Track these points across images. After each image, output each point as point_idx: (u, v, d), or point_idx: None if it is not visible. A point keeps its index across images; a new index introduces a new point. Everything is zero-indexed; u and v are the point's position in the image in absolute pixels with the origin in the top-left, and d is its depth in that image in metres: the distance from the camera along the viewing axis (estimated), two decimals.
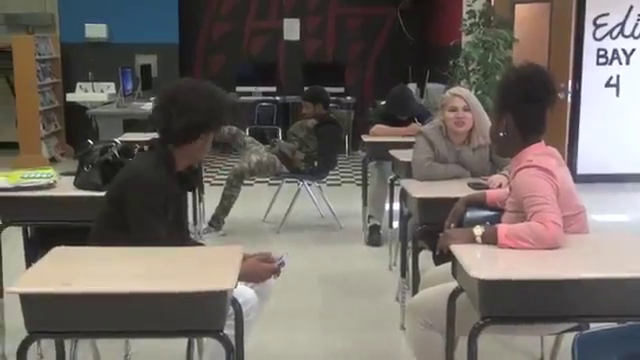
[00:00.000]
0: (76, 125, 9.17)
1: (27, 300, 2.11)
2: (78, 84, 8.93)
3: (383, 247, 5.31)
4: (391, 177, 4.96)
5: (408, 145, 4.30)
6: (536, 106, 2.70)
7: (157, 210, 2.62)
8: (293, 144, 5.94)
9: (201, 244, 3.03)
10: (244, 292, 2.58)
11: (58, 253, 2.47)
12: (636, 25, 7.59)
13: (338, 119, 6.12)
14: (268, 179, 7.19)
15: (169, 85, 2.83)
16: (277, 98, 9.90)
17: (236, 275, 2.23)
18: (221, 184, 6.13)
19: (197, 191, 5.49)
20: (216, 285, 2.15)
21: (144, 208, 2.61)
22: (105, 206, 2.73)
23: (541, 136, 2.74)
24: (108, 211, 2.71)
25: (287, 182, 6.32)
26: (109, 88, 8.80)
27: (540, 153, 2.69)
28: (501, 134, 2.74)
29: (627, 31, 7.61)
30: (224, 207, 5.73)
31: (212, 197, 5.96)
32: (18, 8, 9.65)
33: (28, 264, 3.45)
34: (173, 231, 2.72)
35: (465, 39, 7.67)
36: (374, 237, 5.51)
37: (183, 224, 2.89)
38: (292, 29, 10.56)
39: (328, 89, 6.45)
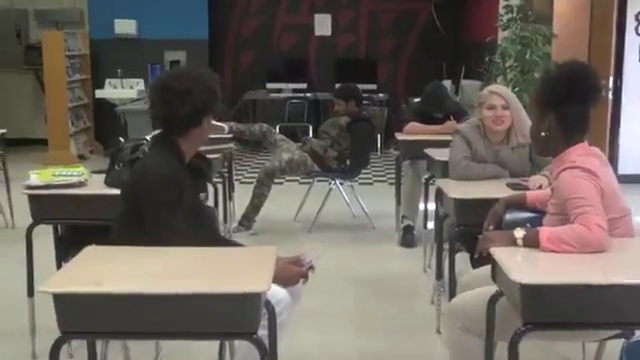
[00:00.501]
0: (105, 122, 9.27)
1: (60, 300, 2.12)
2: (107, 80, 9.03)
3: (417, 248, 5.29)
4: (426, 176, 4.93)
5: (443, 143, 4.27)
6: (580, 106, 2.66)
7: (173, 205, 2.63)
8: (325, 142, 5.94)
9: (236, 243, 3.02)
10: (277, 292, 2.58)
11: (90, 253, 2.49)
12: None
13: (371, 116, 6.11)
14: (299, 178, 7.19)
15: (157, 79, 2.89)
16: (308, 95, 9.91)
17: (270, 277, 2.23)
18: (251, 182, 6.14)
19: (227, 189, 5.52)
20: (250, 287, 2.15)
21: (159, 205, 2.61)
22: (121, 207, 2.75)
23: (584, 136, 2.70)
24: (125, 212, 2.73)
25: (318, 181, 6.30)
26: (138, 84, 8.88)
27: (583, 154, 2.65)
28: (543, 134, 2.71)
29: None
30: (254, 206, 5.74)
31: (242, 196, 5.98)
32: (48, 4, 9.79)
33: (58, 263, 3.49)
34: (193, 225, 2.72)
35: (502, 35, 7.59)
36: (408, 238, 5.48)
37: (205, 218, 2.88)
38: (323, 24, 10.56)
39: (360, 86, 6.44)
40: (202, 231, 2.79)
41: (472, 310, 2.64)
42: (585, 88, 2.65)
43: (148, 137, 3.56)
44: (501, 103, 3.77)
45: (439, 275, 3.87)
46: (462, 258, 3.57)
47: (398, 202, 5.68)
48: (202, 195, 3.73)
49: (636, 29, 7.52)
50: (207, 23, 9.94)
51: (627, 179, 7.03)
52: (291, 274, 2.66)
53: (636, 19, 7.50)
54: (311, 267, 2.73)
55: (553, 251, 2.43)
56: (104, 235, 2.73)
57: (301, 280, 2.83)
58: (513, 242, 2.51)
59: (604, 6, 7.71)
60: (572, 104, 2.64)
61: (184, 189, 2.69)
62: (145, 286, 2.17)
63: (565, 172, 2.60)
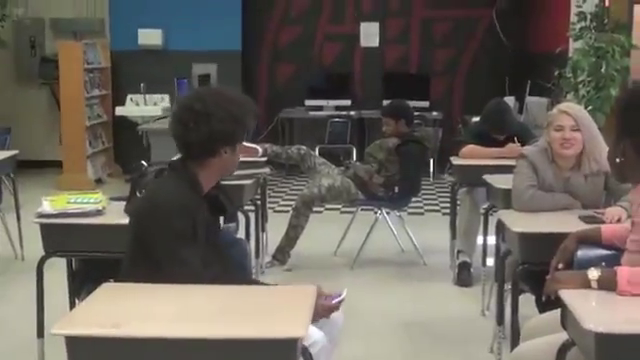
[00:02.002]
0: (126, 142, 9.40)
1: (73, 343, 2.14)
2: (129, 96, 9.17)
3: (474, 288, 5.24)
4: (485, 206, 4.89)
5: (506, 169, 4.25)
6: None
7: (185, 238, 2.64)
8: (370, 166, 5.94)
9: (264, 284, 3.03)
10: (312, 334, 2.58)
11: (107, 290, 2.52)
12: None
13: (423, 138, 6.09)
14: (340, 206, 7.19)
15: (184, 96, 2.90)
16: (352, 113, 9.93)
17: (309, 320, 2.22)
18: (287, 211, 6.16)
19: (260, 219, 5.55)
20: (286, 331, 2.14)
21: (170, 238, 2.62)
22: (129, 241, 2.76)
23: None
24: (133, 246, 2.74)
25: (362, 210, 6.30)
26: (163, 101, 9.01)
27: None
28: (618, 160, 2.68)
29: None
30: (290, 238, 5.75)
31: (277, 226, 6.00)
32: (65, 12, 10.01)
33: (72, 300, 3.54)
34: (210, 263, 2.72)
35: (573, 45, 7.54)
36: (464, 276, 5.44)
37: (228, 258, 2.89)
38: (370, 34, 10.61)
39: (411, 103, 6.44)
40: (222, 267, 2.80)
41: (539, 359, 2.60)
42: None
43: (173, 160, 3.60)
44: (570, 124, 3.74)
45: (500, 320, 3.83)
46: (526, 300, 3.53)
47: (453, 235, 5.64)
48: (232, 226, 3.76)
49: None
50: (240, 33, 10.07)
51: None
52: (318, 308, 2.60)
53: None
54: (342, 299, 2.75)
55: (633, 295, 2.38)
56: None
57: (341, 319, 2.83)
58: (586, 284, 2.48)
59: None
60: None
61: (199, 222, 2.69)
62: (168, 330, 2.18)
63: None
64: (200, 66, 9.52)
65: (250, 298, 2.48)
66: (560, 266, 2.91)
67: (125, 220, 3.39)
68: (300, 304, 2.34)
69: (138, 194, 3.45)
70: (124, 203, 3.55)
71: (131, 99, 9.15)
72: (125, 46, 9.81)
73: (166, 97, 9.01)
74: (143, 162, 3.61)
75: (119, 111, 9.14)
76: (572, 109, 3.85)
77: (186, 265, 2.61)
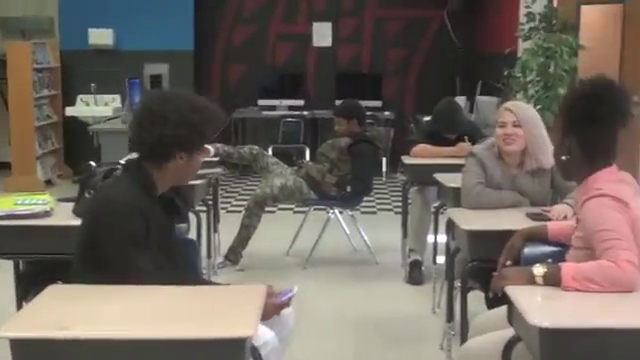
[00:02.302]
0: (76, 143, 9.30)
1: (19, 347, 2.12)
2: (79, 97, 9.07)
3: (425, 286, 5.28)
4: (436, 205, 4.94)
5: (457, 168, 4.28)
6: (605, 128, 2.67)
7: (138, 240, 2.61)
8: (323, 166, 5.95)
9: (216, 283, 3.02)
10: (263, 334, 2.59)
11: (54, 292, 2.49)
12: None
13: (375, 138, 6.12)
14: (293, 206, 7.19)
15: (148, 94, 2.87)
16: (305, 113, 9.94)
17: (257, 319, 2.22)
18: (240, 211, 6.15)
19: (212, 219, 5.53)
20: (235, 331, 2.14)
21: (122, 240, 2.59)
22: (80, 242, 2.72)
23: (611, 160, 2.71)
24: (84, 248, 2.70)
25: (315, 209, 6.31)
26: (114, 101, 8.92)
27: (612, 180, 2.66)
28: (563, 157, 2.72)
29: None
30: (242, 238, 5.74)
31: (229, 226, 5.98)
32: (13, 11, 9.84)
33: (19, 303, 3.48)
34: (163, 266, 2.71)
35: (522, 46, 7.64)
36: (415, 274, 5.47)
37: (178, 258, 2.87)
38: (323, 34, 10.63)
39: (364, 103, 6.47)
40: (175, 270, 2.78)
41: (486, 357, 2.62)
42: (608, 108, 2.66)
43: (123, 161, 3.57)
44: (512, 120, 3.80)
45: (450, 317, 3.86)
46: (476, 297, 3.57)
47: (405, 234, 5.68)
48: (183, 226, 3.74)
49: None
50: (192, 33, 10.01)
51: None
52: (268, 306, 2.59)
53: None
54: (292, 296, 2.76)
55: (577, 290, 2.42)
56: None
57: (292, 319, 2.84)
58: (532, 280, 2.51)
59: (638, 14, 7.76)
60: (594, 126, 2.66)
61: (152, 224, 2.67)
62: (116, 331, 2.16)
63: (591, 201, 2.61)
64: (152, 66, 9.42)
65: (199, 298, 2.48)
66: (508, 263, 2.96)
67: (74, 221, 3.38)
68: (249, 304, 2.34)
69: (87, 195, 3.42)
70: (73, 204, 3.51)
71: (81, 99, 9.04)
72: (75, 46, 9.69)
73: (117, 97, 8.91)
74: (92, 163, 3.57)
75: (69, 111, 9.03)
76: (515, 106, 3.91)
77: (137, 268, 2.59)
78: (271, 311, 2.67)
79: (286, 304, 2.75)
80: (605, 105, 2.66)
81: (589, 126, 2.66)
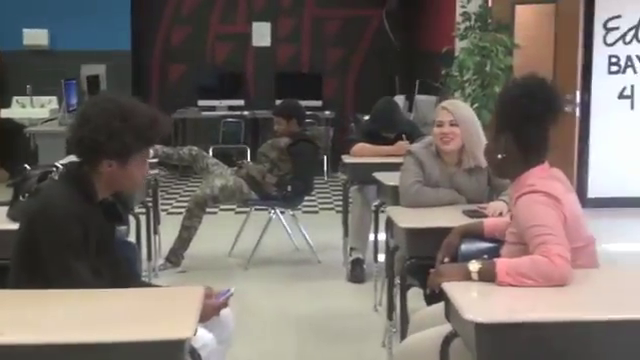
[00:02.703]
0: (11, 146, 9.09)
1: None
2: (14, 98, 8.90)
3: (367, 284, 5.30)
4: (376, 203, 4.97)
5: (396, 166, 4.30)
6: (539, 126, 2.73)
7: (75, 248, 2.57)
8: (263, 166, 5.94)
9: (155, 286, 3.00)
10: (201, 336, 2.58)
11: None
12: None
13: (315, 137, 6.14)
14: (235, 207, 7.17)
15: (94, 96, 2.83)
16: (245, 113, 9.92)
17: (196, 320, 2.21)
18: (181, 213, 6.11)
19: (152, 221, 5.48)
20: (173, 333, 2.13)
21: (58, 247, 2.55)
22: (16, 246, 2.66)
23: (544, 157, 2.77)
24: (21, 253, 2.64)
25: (256, 210, 6.30)
26: (50, 103, 8.77)
27: (544, 176, 2.71)
28: (499, 155, 2.77)
29: None
30: (183, 239, 5.70)
31: (170, 228, 5.94)
32: None
33: None
34: (102, 272, 2.68)
35: (459, 45, 7.74)
36: (357, 273, 5.51)
37: (118, 263, 2.84)
38: (262, 34, 10.62)
39: (304, 103, 6.48)
40: (115, 275, 2.75)
41: (425, 353, 2.65)
42: (542, 106, 2.72)
43: (59, 163, 3.52)
44: (449, 119, 3.85)
45: (390, 314, 3.89)
46: (416, 294, 3.61)
47: (346, 233, 5.71)
48: (122, 229, 3.70)
49: (604, 39, 7.74)
50: (129, 33, 9.90)
51: (598, 203, 7.26)
52: (206, 308, 2.57)
53: (604, 27, 7.73)
54: (229, 296, 2.75)
55: (511, 285, 2.46)
56: (4, 277, 2.68)
57: (231, 321, 2.84)
58: (468, 276, 2.54)
59: (569, 14, 7.93)
60: (528, 123, 2.71)
61: (91, 230, 2.64)
62: (54, 336, 2.13)
63: (524, 197, 2.65)
64: (89, 67, 9.29)
65: (136, 301, 2.46)
66: (446, 260, 3.00)
67: (7, 225, 3.32)
68: (187, 305, 2.33)
69: (21, 198, 3.37)
70: (6, 208, 3.45)
71: (17, 101, 8.87)
72: (9, 46, 9.49)
73: (54, 99, 8.77)
74: (26, 166, 3.51)
75: (4, 113, 8.84)
76: (452, 105, 3.96)
77: (74, 276, 2.54)
78: (210, 313, 2.66)
79: (224, 305, 2.74)
80: (539, 103, 2.71)
81: (524, 124, 2.71)
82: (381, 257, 4.68)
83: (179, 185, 9.17)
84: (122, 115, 2.64)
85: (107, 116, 2.63)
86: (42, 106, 8.74)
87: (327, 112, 9.95)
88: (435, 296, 2.76)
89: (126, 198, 2.97)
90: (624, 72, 7.77)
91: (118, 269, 2.84)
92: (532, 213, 2.60)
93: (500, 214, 3.52)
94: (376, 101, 5.84)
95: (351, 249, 5.61)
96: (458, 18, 7.68)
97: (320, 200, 8.37)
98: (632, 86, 7.77)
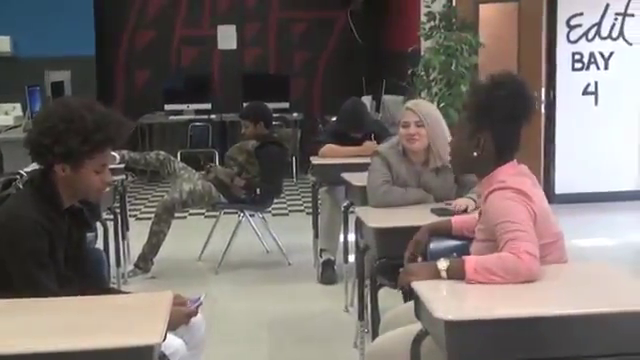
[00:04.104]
0: None
1: None
2: None
3: (338, 285, 5.30)
4: (345, 204, 4.97)
5: (364, 167, 4.30)
6: (520, 124, 2.75)
7: (41, 259, 2.54)
8: (231, 169, 5.93)
9: (123, 292, 2.97)
10: (172, 342, 2.56)
11: None
12: (613, 25, 7.80)
13: (283, 139, 6.13)
14: (204, 211, 7.14)
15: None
16: (212, 117, 9.88)
17: (165, 326, 2.20)
18: (149, 218, 6.06)
19: (121, 227, 5.44)
20: (141, 339, 2.11)
21: (24, 258, 2.52)
22: None
23: (515, 154, 2.78)
24: None
25: (226, 213, 6.28)
26: (14, 110, 8.65)
27: (514, 173, 2.72)
28: (475, 154, 2.76)
29: (604, 32, 7.82)
30: (152, 245, 5.66)
31: (139, 234, 5.89)
32: None
33: None
34: (71, 280, 2.65)
35: (424, 44, 7.78)
36: (327, 274, 5.51)
37: (87, 271, 2.81)
38: (227, 37, 10.59)
39: (271, 105, 6.47)
40: (83, 283, 2.72)
41: (396, 352, 2.65)
42: (525, 106, 2.74)
43: (23, 171, 3.47)
44: (415, 120, 3.86)
45: (361, 314, 3.89)
46: (388, 294, 3.61)
47: (316, 234, 5.71)
48: (90, 236, 3.66)
49: (567, 36, 7.83)
50: (93, 38, 9.82)
51: (564, 199, 7.33)
52: (176, 315, 2.57)
53: (567, 25, 7.81)
54: (200, 304, 2.73)
55: (480, 283, 2.47)
56: None
57: (203, 326, 2.82)
58: (437, 274, 2.54)
59: (532, 12, 8.00)
60: (510, 123, 2.72)
61: (57, 239, 2.61)
62: (20, 345, 2.10)
63: (495, 193, 2.65)
64: (53, 73, 9.20)
65: (104, 309, 2.43)
66: (419, 259, 3.00)
67: None
68: (155, 311, 2.31)
69: None
70: None
71: None
72: None
73: (17, 106, 8.64)
74: None
75: None
76: (417, 106, 3.97)
77: (39, 286, 2.52)
78: (179, 319, 2.64)
79: (194, 313, 2.72)
80: (524, 103, 2.73)
81: (506, 123, 2.72)
82: (352, 258, 4.69)
83: (147, 190, 9.11)
84: (68, 118, 2.59)
85: (53, 119, 2.60)
86: (6, 113, 8.61)
87: (295, 114, 9.93)
88: (408, 295, 2.77)
89: (93, 205, 2.94)
90: (587, 69, 7.86)
91: (87, 277, 2.81)
92: (502, 209, 2.60)
93: (465, 210, 3.54)
94: (343, 102, 5.84)
95: (321, 250, 5.61)
96: (423, 18, 7.72)
97: (290, 202, 8.36)
98: (596, 82, 7.86)
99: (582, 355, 2.35)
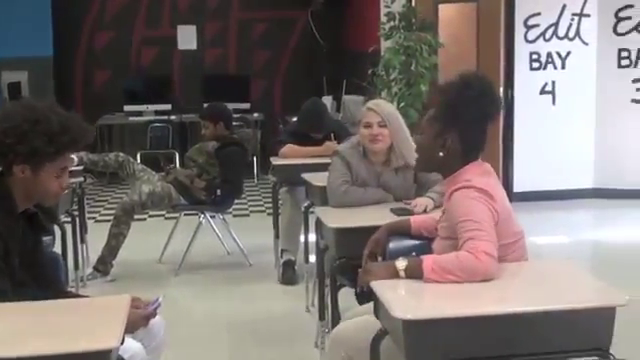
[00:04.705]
0: None
1: None
2: None
3: (299, 285, 5.31)
4: (305, 204, 4.98)
5: (324, 167, 4.32)
6: (487, 124, 2.78)
7: None
8: (191, 170, 5.89)
9: (80, 296, 2.93)
10: (130, 346, 2.54)
11: None
12: (570, 26, 7.90)
13: (243, 140, 6.11)
14: (164, 212, 7.09)
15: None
16: (172, 117, 9.80)
17: (122, 329, 2.18)
18: (108, 220, 6.00)
19: (79, 230, 5.38)
20: (98, 343, 2.09)
21: None
22: None
23: (481, 153, 2.80)
24: None
25: (186, 215, 6.24)
26: None
27: (480, 172, 2.74)
28: (441, 153, 2.77)
29: (561, 32, 7.91)
30: (112, 247, 5.61)
31: (98, 236, 5.83)
32: None
33: None
34: (27, 284, 2.61)
35: (385, 45, 7.80)
36: (288, 274, 5.50)
37: (44, 275, 2.77)
38: (188, 37, 10.53)
39: (232, 105, 6.46)
40: (40, 287, 2.68)
41: (356, 340, 2.68)
42: (496, 107, 2.77)
43: None
44: (377, 120, 3.87)
45: (322, 314, 3.89)
46: (348, 294, 3.62)
47: (277, 235, 5.70)
48: (47, 239, 3.61)
49: (525, 36, 7.90)
50: (51, 38, 9.71)
51: (522, 197, 7.40)
52: (134, 318, 2.53)
53: (525, 25, 7.89)
54: (158, 305, 2.71)
55: (437, 282, 2.48)
56: None
57: (162, 329, 2.80)
58: (396, 274, 2.55)
59: (491, 12, 8.08)
60: (479, 123, 2.75)
61: (10, 243, 2.56)
62: None
63: (459, 192, 2.67)
64: (10, 74, 9.12)
65: (61, 313, 2.40)
66: (379, 259, 3.00)
67: None
68: (113, 315, 2.29)
69: None
70: None
71: None
72: None
73: None
74: None
75: None
76: (378, 106, 3.98)
77: None
78: (138, 322, 2.62)
79: (153, 315, 2.70)
80: (491, 103, 2.76)
81: (475, 123, 2.74)
82: (312, 258, 4.69)
83: (107, 192, 9.02)
84: (32, 118, 2.56)
85: (16, 119, 2.56)
86: None
87: (255, 114, 9.90)
88: (366, 295, 2.77)
89: (50, 207, 2.90)
90: (545, 68, 7.95)
91: (43, 281, 2.77)
92: (465, 208, 2.62)
93: (425, 210, 3.55)
94: (304, 102, 5.84)
95: (282, 251, 5.60)
96: (383, 18, 7.74)
97: (250, 203, 8.34)
98: (553, 82, 7.95)
99: (540, 352, 2.38)
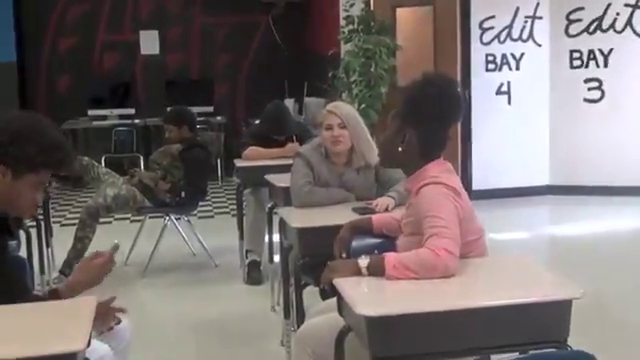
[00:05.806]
0: None
1: None
2: None
3: (264, 285, 5.29)
4: (269, 205, 4.97)
5: (287, 168, 4.30)
6: (448, 123, 2.79)
7: None
8: (156, 173, 5.85)
9: (46, 298, 2.89)
10: (97, 348, 2.52)
11: None
12: (524, 28, 7.98)
13: (207, 142, 6.09)
14: (129, 215, 7.03)
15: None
16: (136, 121, 9.75)
17: (88, 331, 2.15)
18: (74, 224, 5.94)
19: (45, 234, 5.31)
20: (64, 346, 2.06)
21: None
22: None
23: (441, 152, 2.82)
24: None
25: (151, 217, 6.20)
26: None
27: (443, 170, 2.76)
28: (400, 149, 2.78)
29: (515, 34, 7.99)
30: (77, 250, 5.53)
31: (64, 240, 5.76)
32: None
33: None
34: None
35: (344, 48, 7.83)
36: (253, 275, 5.48)
37: (9, 279, 2.73)
38: (150, 42, 10.46)
39: (195, 109, 6.43)
40: (4, 291, 2.64)
41: (322, 337, 2.68)
42: (456, 106, 2.78)
43: None
44: (337, 122, 3.88)
45: (287, 313, 3.89)
46: (313, 293, 3.62)
47: (241, 235, 5.67)
48: (12, 243, 3.55)
49: (481, 38, 7.97)
50: (14, 43, 9.58)
51: (481, 195, 7.46)
52: (95, 270, 2.59)
53: (480, 27, 7.95)
54: (115, 247, 2.76)
55: (398, 279, 2.49)
56: None
57: (128, 331, 2.77)
58: (358, 271, 2.55)
59: (447, 15, 8.13)
60: (438, 122, 2.75)
61: None
62: None
63: (429, 187, 2.67)
64: None
65: (27, 316, 2.36)
66: (344, 255, 3.01)
67: None
68: (78, 317, 2.26)
69: None
70: None
71: None
72: None
73: None
74: None
75: None
76: (338, 108, 3.98)
77: None
78: (104, 325, 2.59)
79: (110, 260, 2.73)
80: (452, 103, 2.77)
81: (433, 122, 2.75)
82: (277, 258, 4.68)
83: (71, 196, 8.92)
84: (34, 127, 2.54)
85: (19, 123, 2.54)
86: None
87: (219, 117, 9.88)
88: (330, 292, 2.77)
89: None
90: (500, 69, 8.02)
91: (9, 285, 2.72)
92: (432, 203, 2.62)
93: (386, 209, 3.57)
94: (266, 105, 5.83)
95: (247, 252, 5.58)
96: (342, 21, 7.77)
97: (215, 205, 8.30)
98: (508, 82, 8.03)
99: (500, 345, 2.40)
